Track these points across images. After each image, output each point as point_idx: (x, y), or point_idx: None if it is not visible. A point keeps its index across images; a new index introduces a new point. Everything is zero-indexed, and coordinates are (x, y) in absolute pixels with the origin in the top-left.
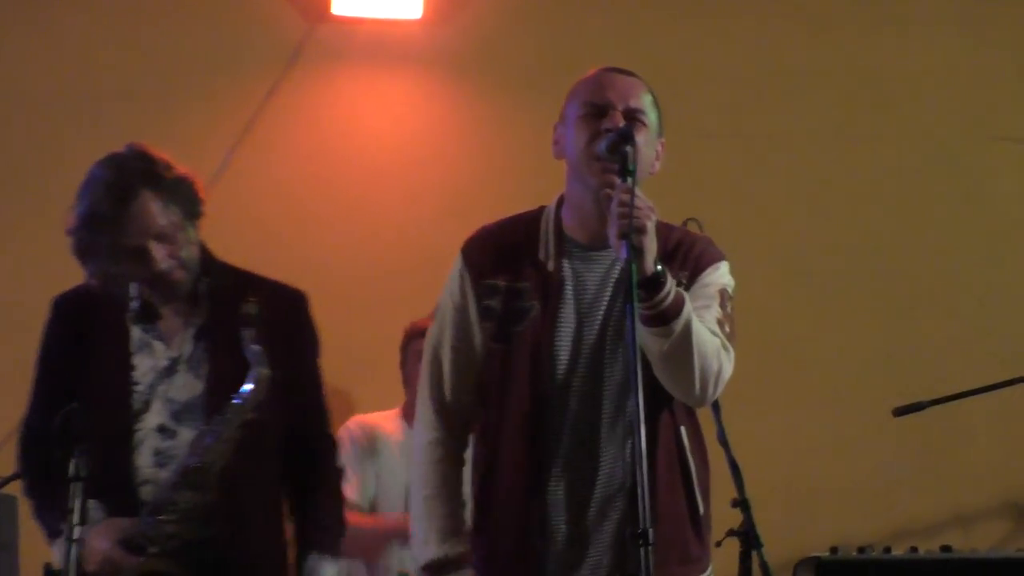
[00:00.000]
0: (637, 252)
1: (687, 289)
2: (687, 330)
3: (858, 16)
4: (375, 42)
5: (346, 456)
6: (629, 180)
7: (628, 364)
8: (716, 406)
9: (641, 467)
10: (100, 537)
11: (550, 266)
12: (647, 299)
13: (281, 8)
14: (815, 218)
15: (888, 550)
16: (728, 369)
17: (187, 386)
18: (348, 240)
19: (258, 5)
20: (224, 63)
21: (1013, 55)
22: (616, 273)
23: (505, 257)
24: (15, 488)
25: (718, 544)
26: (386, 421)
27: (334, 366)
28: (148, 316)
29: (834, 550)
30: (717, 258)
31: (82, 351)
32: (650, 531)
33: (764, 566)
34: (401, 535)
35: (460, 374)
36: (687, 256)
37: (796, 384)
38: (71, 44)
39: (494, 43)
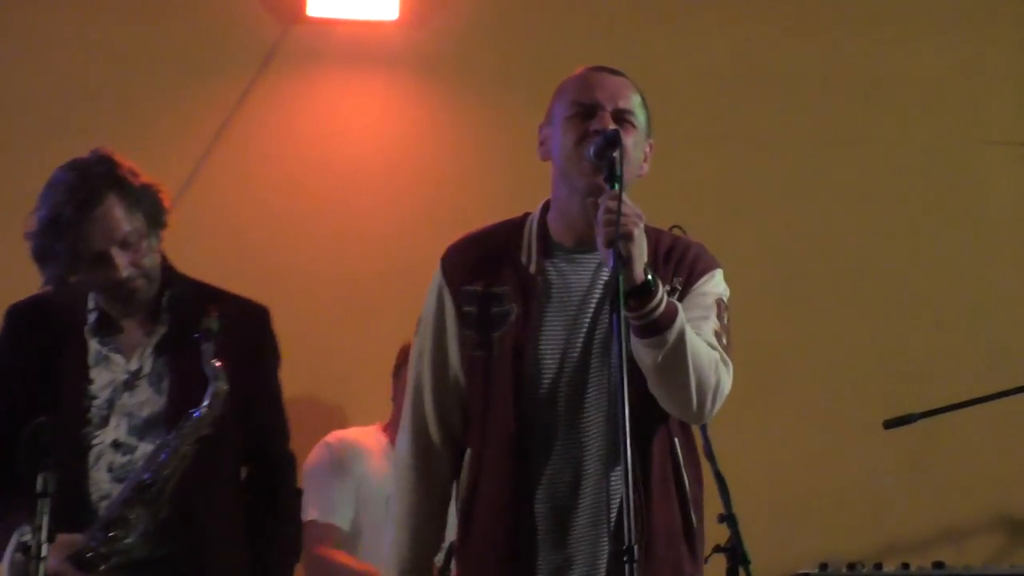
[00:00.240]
0: (624, 260)
1: (681, 296)
2: (681, 340)
3: (848, 17)
4: (351, 44)
5: (324, 472)
6: (616, 187)
7: (617, 372)
8: None
9: (628, 482)
10: (51, 554)
11: (531, 268)
12: (637, 308)
13: (254, 9)
14: (802, 224)
15: (879, 566)
16: (727, 383)
17: (148, 401)
18: (324, 246)
19: (231, 6)
20: (196, 66)
21: (1006, 56)
22: (605, 275)
23: (484, 263)
24: None
25: (705, 561)
26: (366, 436)
27: (311, 376)
28: (107, 329)
29: (823, 566)
30: (712, 266)
31: (38, 363)
32: (635, 548)
33: None
34: None
35: (442, 395)
36: (681, 261)
37: (783, 395)
38: (35, 45)
39: (471, 45)
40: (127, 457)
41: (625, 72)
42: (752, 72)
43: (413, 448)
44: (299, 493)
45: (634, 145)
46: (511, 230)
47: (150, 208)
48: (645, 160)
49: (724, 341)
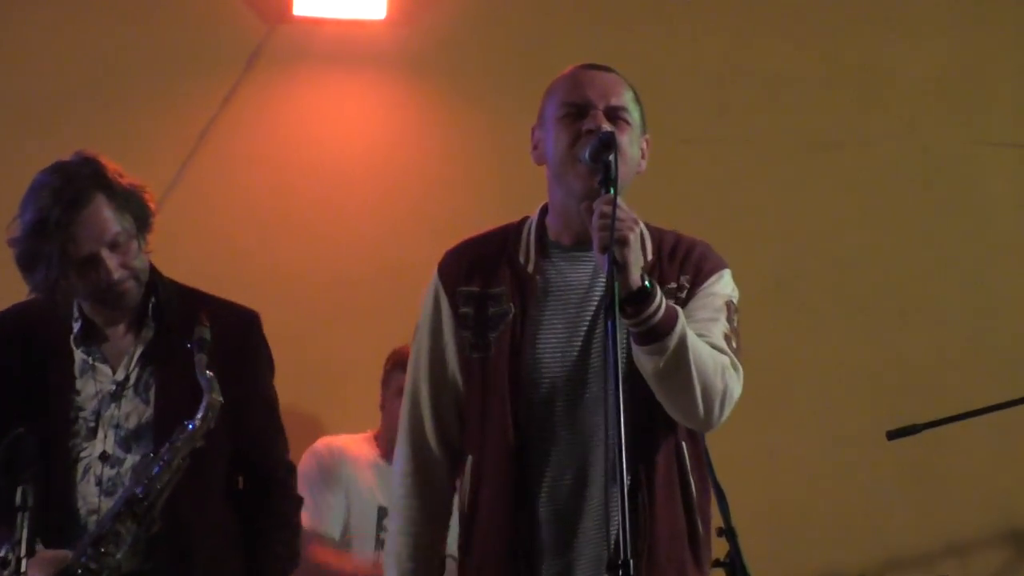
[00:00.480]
0: (620, 266)
1: (688, 297)
2: (682, 346)
3: (845, 17)
4: (338, 44)
5: (313, 480)
6: (611, 190)
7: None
8: None
9: (623, 493)
10: (37, 570)
11: (529, 268)
12: (635, 315)
13: (240, 8)
14: (801, 228)
15: None
16: (736, 389)
17: (135, 411)
18: (311, 248)
19: (215, 5)
20: (180, 66)
21: (1007, 56)
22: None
23: (481, 265)
24: None
25: None
26: (356, 444)
27: (297, 382)
28: (92, 337)
29: None
30: (720, 265)
31: (22, 374)
32: (631, 561)
33: None
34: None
35: (439, 401)
36: (687, 260)
37: (783, 404)
38: (17, 44)
39: (460, 43)
40: (115, 470)
41: (616, 68)
42: (745, 72)
43: (410, 455)
44: (300, 500)
45: (630, 143)
46: (509, 233)
47: (137, 210)
48: (643, 156)
49: (734, 344)
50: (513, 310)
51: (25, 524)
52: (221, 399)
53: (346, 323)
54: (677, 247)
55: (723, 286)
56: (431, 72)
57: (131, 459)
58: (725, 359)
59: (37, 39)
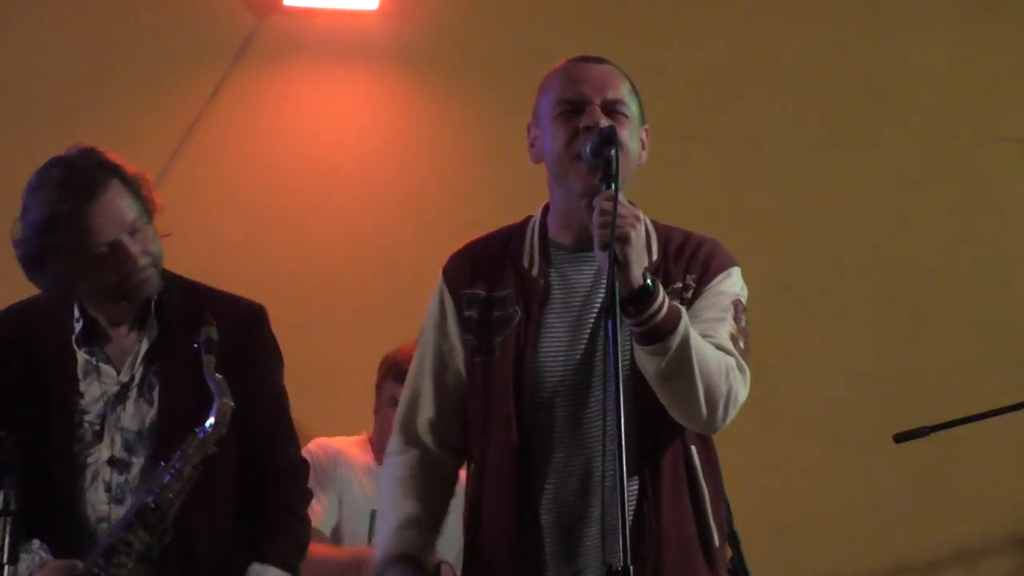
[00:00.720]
0: (621, 265)
1: (695, 296)
2: (685, 347)
3: (851, 12)
4: (329, 35)
5: None
6: (612, 187)
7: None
8: None
9: (623, 498)
10: None
11: (534, 272)
12: (636, 315)
13: None
14: (807, 227)
15: None
16: (742, 391)
17: (139, 413)
18: (302, 244)
19: None
20: (167, 58)
21: (1016, 52)
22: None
23: (485, 267)
24: None
25: None
26: (350, 446)
27: (291, 380)
28: (95, 338)
29: None
30: (729, 263)
31: (23, 377)
32: (631, 568)
33: None
34: (362, 566)
35: (441, 404)
36: (693, 258)
37: (787, 406)
38: (2, 37)
39: (453, 35)
40: (124, 476)
41: (610, 59)
42: (748, 68)
43: (404, 442)
44: (310, 494)
45: (630, 137)
46: (512, 233)
47: (144, 198)
48: (644, 147)
49: (741, 345)
50: (519, 314)
51: (8, 529)
52: (232, 404)
53: (337, 321)
54: (684, 245)
55: (731, 285)
56: (424, 64)
57: (138, 463)
58: (730, 360)
59: (24, 32)
